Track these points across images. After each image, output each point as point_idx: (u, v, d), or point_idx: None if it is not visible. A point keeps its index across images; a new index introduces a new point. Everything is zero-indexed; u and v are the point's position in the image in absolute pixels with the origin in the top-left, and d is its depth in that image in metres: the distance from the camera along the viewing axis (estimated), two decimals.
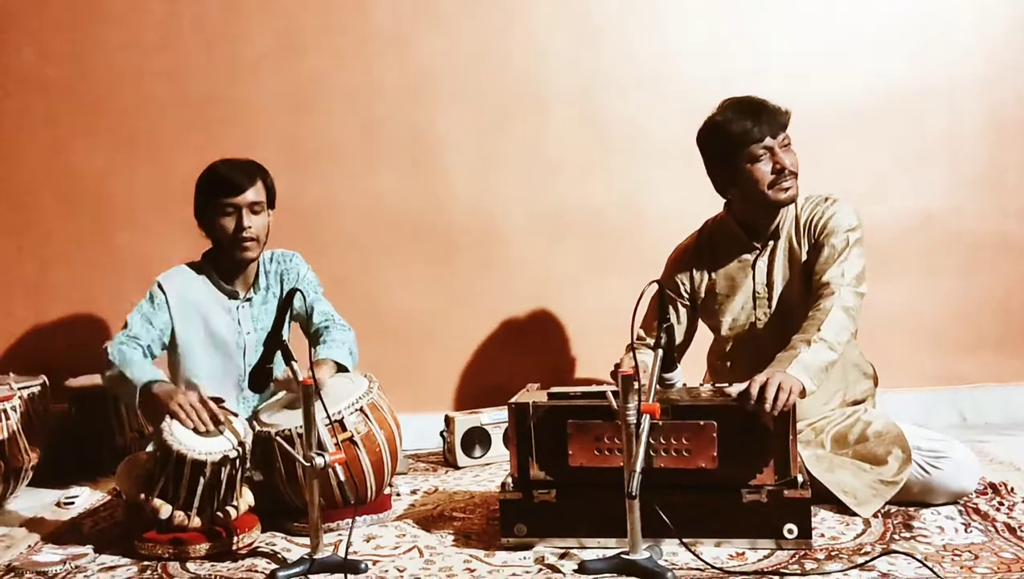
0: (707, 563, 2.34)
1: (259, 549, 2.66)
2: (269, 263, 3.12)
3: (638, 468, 2.18)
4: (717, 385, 2.74)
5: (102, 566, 2.60)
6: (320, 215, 3.88)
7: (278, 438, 2.68)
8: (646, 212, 3.85)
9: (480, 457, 3.54)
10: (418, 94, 3.89)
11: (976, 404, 3.82)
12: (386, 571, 2.45)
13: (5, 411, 3.18)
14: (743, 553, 2.43)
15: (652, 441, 2.44)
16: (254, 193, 2.96)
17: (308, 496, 2.50)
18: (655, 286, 2.45)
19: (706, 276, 3.00)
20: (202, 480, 2.58)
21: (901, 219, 3.80)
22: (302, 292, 2.71)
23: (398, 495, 3.13)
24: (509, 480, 2.59)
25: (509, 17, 3.88)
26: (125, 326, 2.93)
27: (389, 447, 2.84)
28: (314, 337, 3.07)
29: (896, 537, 2.48)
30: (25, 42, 3.90)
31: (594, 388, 2.71)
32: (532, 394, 2.68)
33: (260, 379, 2.61)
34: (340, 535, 2.66)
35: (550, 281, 3.92)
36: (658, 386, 2.41)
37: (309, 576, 2.43)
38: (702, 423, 2.46)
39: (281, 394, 2.94)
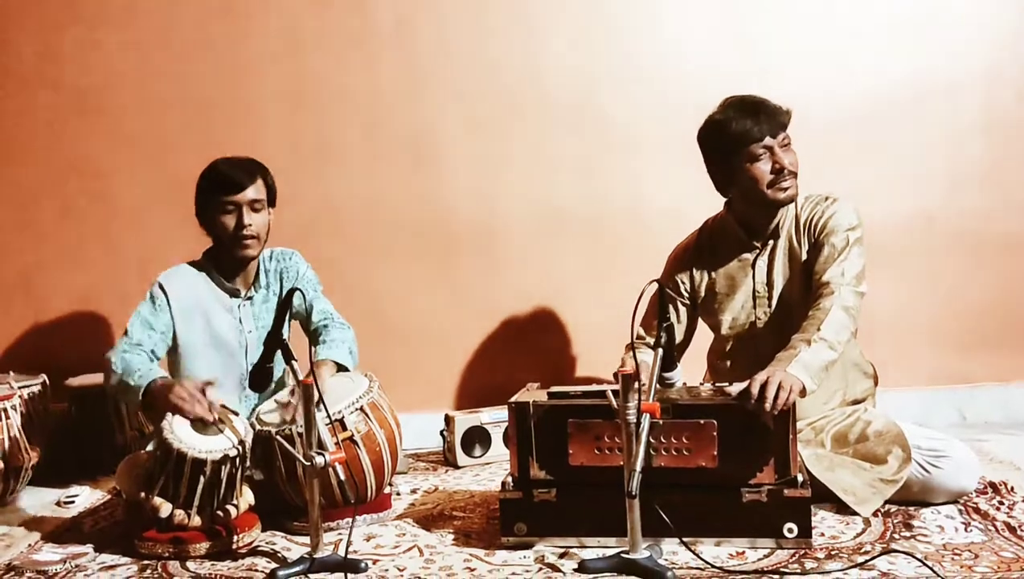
0: (707, 562, 2.34)
1: (259, 548, 2.66)
2: (269, 261, 3.12)
3: (638, 467, 2.18)
4: (717, 384, 2.74)
5: (102, 565, 2.60)
6: (320, 214, 3.88)
7: (278, 437, 2.68)
8: (646, 211, 3.85)
9: (480, 456, 3.54)
10: (418, 94, 3.89)
11: (976, 403, 3.83)
12: (386, 570, 2.45)
13: (5, 410, 3.18)
14: (743, 552, 2.43)
15: (652, 440, 2.44)
16: (254, 191, 2.96)
17: (308, 495, 2.50)
18: (655, 285, 2.45)
19: (706, 275, 3.00)
20: (202, 479, 2.58)
21: (901, 218, 3.80)
22: (302, 291, 2.71)
23: (398, 494, 3.13)
24: (509, 479, 2.59)
25: (510, 17, 3.88)
26: (126, 333, 2.93)
27: (389, 446, 2.84)
28: (313, 336, 3.07)
29: (896, 536, 2.48)
30: (25, 42, 3.90)
31: (594, 387, 2.71)
32: (532, 393, 2.68)
33: (261, 378, 2.61)
34: (340, 534, 2.66)
35: (550, 280, 3.92)
36: (658, 385, 2.41)
37: (309, 575, 2.43)
38: (702, 422, 2.46)
39: (282, 393, 2.94)
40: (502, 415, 3.43)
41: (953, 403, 3.83)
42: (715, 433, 2.45)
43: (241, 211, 2.94)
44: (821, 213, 2.85)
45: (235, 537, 2.65)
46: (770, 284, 2.91)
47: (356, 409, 2.79)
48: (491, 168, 3.91)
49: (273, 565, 2.50)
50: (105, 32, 3.90)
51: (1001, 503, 2.68)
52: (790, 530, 2.43)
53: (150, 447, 2.84)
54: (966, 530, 2.50)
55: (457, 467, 3.51)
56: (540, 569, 2.40)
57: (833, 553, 2.39)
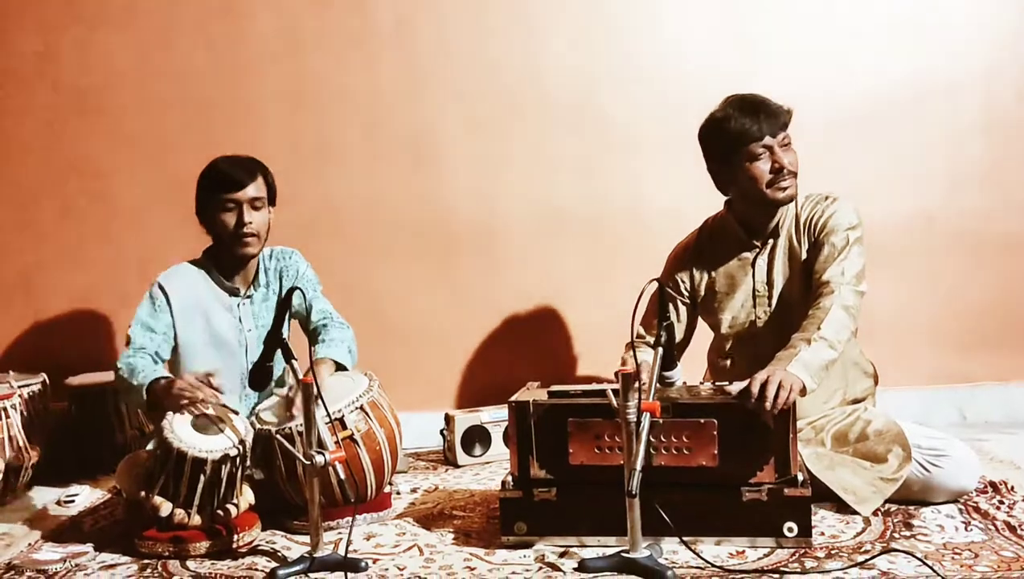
0: (707, 561, 2.34)
1: (259, 547, 2.66)
2: (268, 260, 3.12)
3: (638, 466, 2.18)
4: (717, 383, 2.75)
5: (102, 564, 2.60)
6: (320, 214, 3.88)
7: (278, 436, 2.69)
8: (646, 210, 3.85)
9: (480, 455, 3.54)
10: (418, 93, 3.89)
11: (976, 402, 3.82)
12: (386, 569, 2.45)
13: (5, 409, 3.19)
14: (743, 551, 2.43)
15: (652, 439, 2.44)
16: (255, 189, 2.96)
17: (308, 494, 2.50)
18: (655, 285, 2.45)
19: (706, 274, 3.00)
20: (202, 478, 2.58)
21: (901, 218, 3.80)
22: (302, 290, 2.72)
23: (398, 493, 3.13)
24: (509, 478, 2.60)
25: (510, 16, 3.88)
26: (128, 341, 2.93)
27: (389, 445, 2.84)
28: (313, 335, 3.07)
29: (896, 535, 2.48)
30: (25, 42, 3.90)
31: (594, 386, 2.71)
32: (532, 392, 2.68)
33: (261, 377, 2.62)
34: (340, 533, 2.67)
35: (550, 279, 3.92)
36: (658, 384, 2.41)
37: (309, 574, 2.43)
38: (702, 421, 2.46)
39: (279, 390, 2.94)
40: (502, 414, 3.43)
41: (953, 402, 3.83)
42: (715, 432, 2.46)
43: (241, 209, 2.94)
44: (821, 212, 2.85)
45: (235, 536, 2.65)
46: (770, 283, 2.91)
47: (356, 408, 2.79)
48: (491, 168, 3.91)
49: (273, 564, 2.50)
50: (105, 32, 3.90)
51: (1001, 502, 2.68)
52: (790, 529, 2.43)
53: (150, 446, 2.84)
54: (966, 529, 2.50)
55: (457, 466, 3.51)
56: (540, 568, 2.40)
57: (833, 552, 2.39)
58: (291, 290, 2.57)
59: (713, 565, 2.33)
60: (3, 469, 3.18)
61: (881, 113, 3.81)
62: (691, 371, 2.92)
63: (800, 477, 2.48)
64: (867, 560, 2.30)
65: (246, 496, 2.71)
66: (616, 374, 2.35)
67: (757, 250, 2.92)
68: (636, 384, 2.32)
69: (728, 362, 3.00)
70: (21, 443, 3.23)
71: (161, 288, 2.99)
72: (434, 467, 3.54)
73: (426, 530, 2.75)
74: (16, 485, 3.29)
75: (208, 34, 3.89)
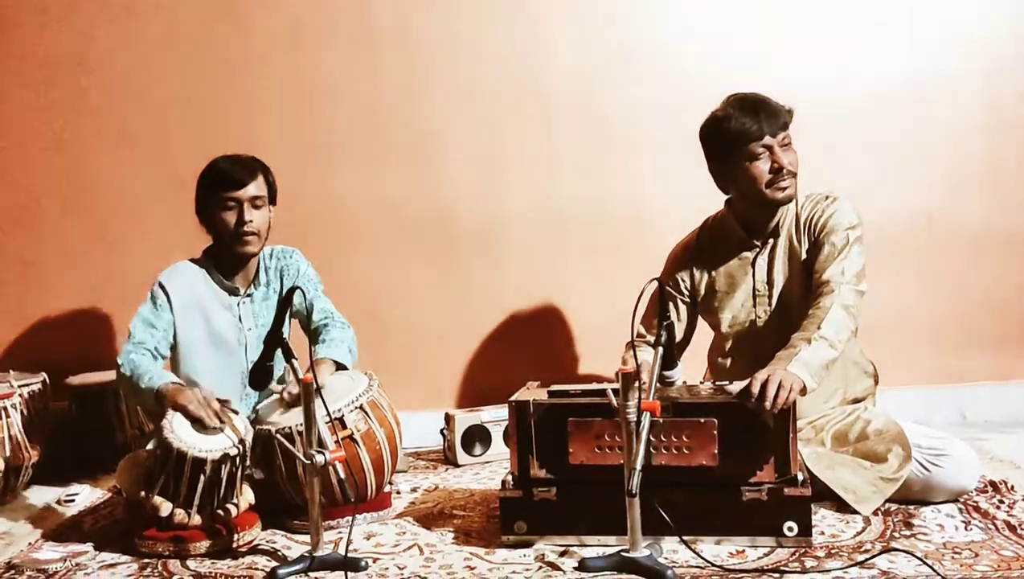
0: (707, 561, 2.34)
1: (259, 547, 2.66)
2: (269, 259, 3.12)
3: (638, 466, 2.18)
4: (717, 383, 2.74)
5: (102, 563, 2.60)
6: (321, 213, 3.88)
7: (278, 436, 2.69)
8: (648, 209, 3.85)
9: (480, 455, 3.54)
10: (419, 93, 3.89)
11: (976, 402, 3.82)
12: (386, 569, 2.45)
13: (5, 409, 3.18)
14: (743, 551, 2.43)
15: (652, 439, 2.44)
16: (255, 188, 2.96)
17: (308, 494, 2.50)
18: (655, 284, 2.45)
19: (706, 273, 3.00)
20: (202, 478, 2.58)
21: (901, 217, 3.79)
22: (302, 289, 2.72)
23: (398, 493, 3.13)
24: (509, 478, 2.60)
25: (510, 14, 3.88)
26: (129, 335, 2.93)
27: (389, 445, 2.84)
28: (313, 335, 3.07)
29: (896, 535, 2.48)
30: (26, 41, 3.90)
31: (594, 386, 2.71)
32: (532, 392, 2.68)
33: (261, 377, 2.62)
34: (340, 533, 2.67)
35: (551, 278, 3.92)
36: (658, 384, 2.41)
37: (309, 574, 2.43)
38: (702, 421, 2.46)
39: (277, 387, 2.94)
40: (502, 414, 3.43)
41: (953, 402, 3.83)
42: (715, 431, 2.45)
43: (242, 208, 2.94)
44: (821, 212, 2.85)
45: (235, 536, 2.65)
46: (770, 283, 2.91)
47: (356, 407, 2.79)
48: (492, 167, 3.90)
49: (273, 564, 2.50)
50: (106, 31, 3.89)
51: (1001, 502, 2.68)
52: (790, 528, 2.43)
53: (150, 446, 2.84)
54: (966, 529, 2.50)
55: (457, 466, 3.51)
56: (540, 567, 2.40)
57: (833, 551, 2.39)
58: (292, 289, 2.57)
59: (713, 564, 2.33)
60: (3, 468, 3.18)
61: (881, 113, 3.81)
62: (691, 370, 2.91)
63: (800, 476, 2.48)
64: (867, 559, 2.30)
65: (246, 496, 2.71)
66: (617, 373, 2.35)
67: (757, 249, 2.92)
68: (636, 383, 2.32)
69: (728, 361, 3.00)
70: (21, 442, 3.23)
71: (162, 286, 2.99)
72: (434, 466, 3.54)
73: (426, 529, 2.75)
74: (16, 485, 3.28)
75: (209, 33, 3.89)
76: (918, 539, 2.44)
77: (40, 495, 3.34)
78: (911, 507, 2.66)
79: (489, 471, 3.40)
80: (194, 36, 3.88)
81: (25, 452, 3.24)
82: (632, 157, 3.87)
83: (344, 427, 2.74)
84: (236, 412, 2.78)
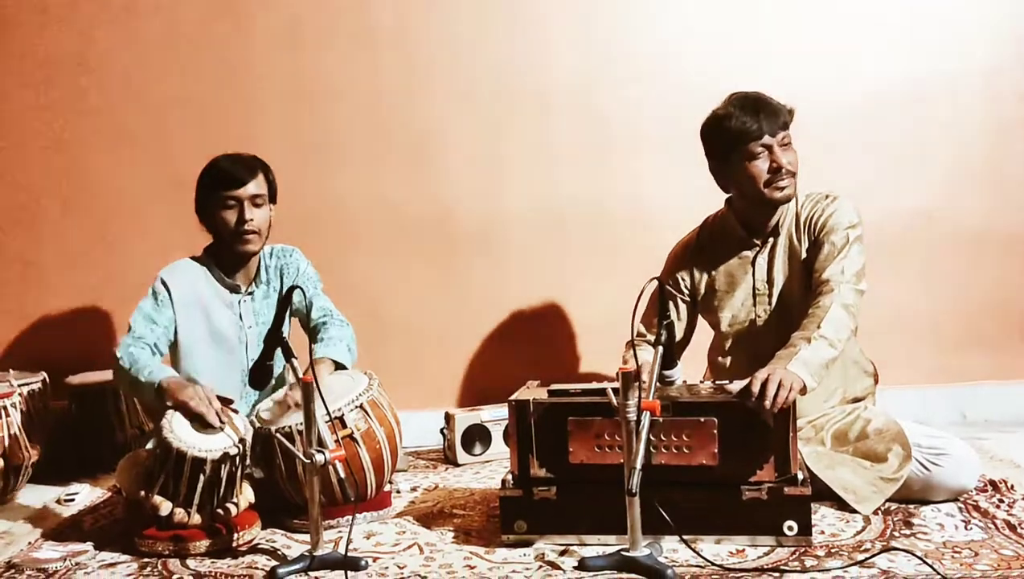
0: (707, 560, 2.34)
1: (259, 546, 2.66)
2: (269, 258, 3.12)
3: (638, 465, 2.18)
4: (717, 382, 2.74)
5: (102, 563, 2.60)
6: (321, 212, 3.88)
7: (278, 435, 2.68)
8: (648, 208, 3.85)
9: (480, 454, 3.54)
10: (420, 92, 3.89)
11: (976, 401, 3.82)
12: (386, 568, 2.45)
13: (5, 408, 3.18)
14: (743, 550, 2.43)
15: (652, 438, 2.44)
16: (255, 186, 2.97)
17: (308, 493, 2.50)
18: (655, 283, 2.45)
19: (706, 272, 3.00)
20: (202, 477, 2.58)
21: (901, 216, 3.79)
22: (302, 288, 2.72)
23: (398, 492, 3.13)
24: (509, 477, 2.60)
25: (510, 14, 3.88)
26: (129, 329, 2.93)
27: (389, 444, 2.84)
28: (312, 333, 3.07)
29: (896, 534, 2.48)
30: (26, 41, 3.90)
31: (594, 385, 2.71)
32: (532, 391, 2.68)
33: (261, 376, 2.62)
34: (340, 532, 2.67)
35: (551, 277, 3.92)
36: (658, 383, 2.41)
37: (309, 573, 2.43)
38: (702, 420, 2.46)
39: (280, 391, 2.94)
40: (502, 413, 3.43)
41: (953, 401, 3.83)
42: (715, 431, 2.45)
43: (242, 206, 2.94)
44: (821, 211, 2.85)
45: (235, 535, 2.65)
46: (770, 282, 2.91)
47: (356, 406, 2.79)
48: (492, 167, 3.90)
49: (273, 563, 2.50)
50: (106, 31, 3.89)
51: (1001, 501, 2.68)
52: (790, 528, 2.43)
53: (150, 445, 2.84)
54: (966, 528, 2.50)
55: (457, 465, 3.51)
56: (540, 567, 2.40)
57: (833, 551, 2.39)
58: (291, 288, 2.57)
59: (713, 564, 2.33)
60: (3, 467, 3.18)
61: (881, 113, 3.81)
62: (692, 370, 2.92)
63: (800, 476, 2.48)
64: (867, 559, 2.30)
65: (246, 495, 2.71)
66: (617, 372, 2.35)
67: (757, 249, 2.92)
68: (636, 383, 2.32)
69: (728, 360, 3.00)
70: (21, 442, 3.23)
71: (164, 283, 2.99)
72: (434, 466, 3.53)
73: (426, 529, 2.75)
74: (16, 484, 3.28)
75: (209, 33, 3.89)
76: (918, 538, 2.44)
77: (40, 494, 3.34)
78: (911, 506, 2.66)
79: (489, 470, 3.40)
80: (194, 36, 3.89)
81: (25, 451, 3.24)
82: (632, 156, 3.87)
83: (344, 426, 2.74)
84: (236, 411, 2.78)
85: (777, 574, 2.27)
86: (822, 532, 2.52)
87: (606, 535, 2.50)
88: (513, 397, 2.60)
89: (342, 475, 2.47)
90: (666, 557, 2.39)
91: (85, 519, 3.03)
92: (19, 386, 3.31)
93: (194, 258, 3.08)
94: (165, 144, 3.90)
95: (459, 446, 3.51)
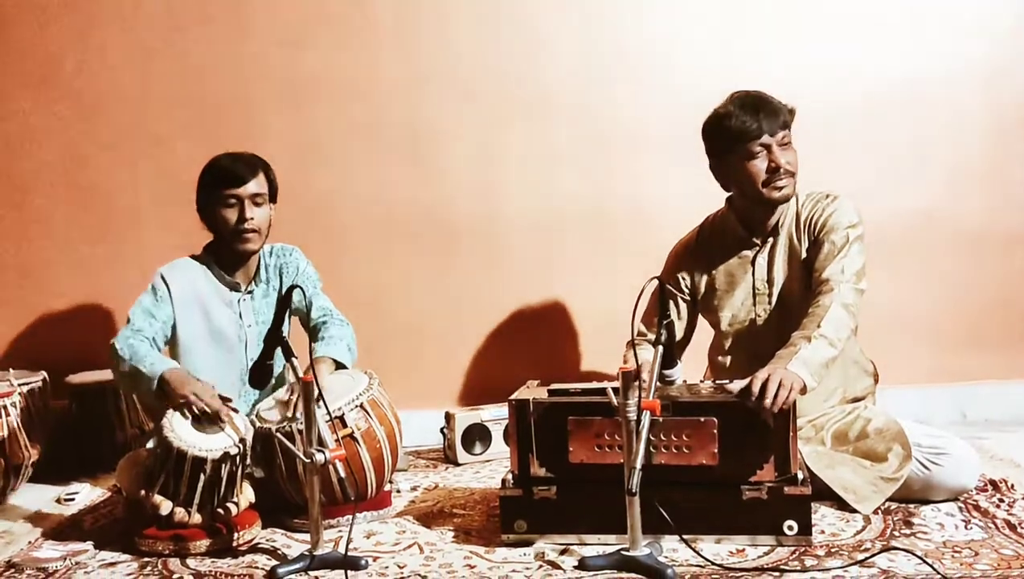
0: (707, 559, 2.34)
1: (259, 545, 2.66)
2: (269, 257, 3.12)
3: (638, 465, 2.18)
4: (718, 382, 2.74)
5: (102, 562, 2.60)
6: (322, 211, 3.88)
7: (279, 434, 2.68)
8: (648, 207, 3.84)
9: (480, 454, 3.54)
10: (419, 90, 3.89)
11: (976, 401, 3.83)
12: (386, 567, 2.45)
13: (5, 407, 3.18)
14: (743, 550, 2.43)
15: (652, 438, 2.44)
16: (256, 185, 2.97)
17: (308, 492, 2.50)
18: (655, 282, 2.45)
19: (706, 272, 3.00)
20: (202, 477, 2.58)
21: (902, 215, 3.79)
22: (302, 288, 2.72)
23: (398, 492, 3.13)
24: (509, 477, 2.60)
25: (510, 11, 3.88)
26: (128, 322, 2.93)
27: (389, 443, 2.84)
28: (313, 332, 3.07)
29: (896, 534, 2.48)
30: (25, 41, 3.89)
31: (594, 385, 2.71)
32: (532, 390, 2.68)
33: (261, 375, 2.61)
34: (340, 532, 2.67)
35: (551, 277, 3.92)
36: (658, 383, 2.41)
37: (309, 572, 2.43)
38: (702, 420, 2.46)
39: (281, 390, 2.94)
40: (503, 412, 3.43)
41: (953, 401, 3.83)
42: (715, 431, 2.45)
43: (243, 205, 2.94)
44: (821, 211, 2.85)
45: (235, 535, 2.65)
46: (770, 281, 2.91)
47: (356, 406, 2.79)
48: (492, 165, 3.90)
49: (273, 562, 2.50)
50: (107, 29, 3.89)
51: (1001, 501, 2.68)
52: (790, 527, 2.43)
53: (150, 445, 2.83)
54: (966, 527, 2.50)
55: (457, 464, 3.51)
56: (540, 566, 2.40)
57: (833, 550, 2.39)
58: (291, 288, 2.57)
59: (713, 563, 2.33)
60: (3, 466, 3.18)
61: (881, 111, 3.80)
62: (692, 369, 2.92)
63: (800, 475, 2.48)
64: (867, 558, 2.30)
65: (246, 494, 2.71)
66: (618, 372, 2.35)
67: (757, 248, 2.92)
68: (636, 382, 2.31)
69: (728, 359, 3.00)
70: (21, 441, 3.23)
71: (163, 279, 2.99)
72: (434, 465, 3.53)
73: (426, 528, 2.75)
74: (16, 483, 3.28)
75: (208, 32, 3.88)
76: (918, 538, 2.44)
77: (40, 494, 3.34)
78: (911, 506, 2.66)
79: (489, 470, 3.40)
80: (194, 34, 3.88)
81: (25, 450, 3.24)
82: (632, 155, 3.86)
83: (344, 426, 2.74)
84: (236, 410, 2.78)
85: (777, 574, 2.27)
86: (822, 532, 2.52)
87: (606, 535, 2.50)
88: (513, 396, 2.60)
89: (342, 474, 2.47)
90: (666, 557, 2.39)
91: (85, 518, 3.04)
92: (19, 385, 3.31)
93: (194, 257, 3.08)
94: (165, 144, 3.89)
95: (459, 445, 3.51)
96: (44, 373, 3.54)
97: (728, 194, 2.97)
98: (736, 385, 2.54)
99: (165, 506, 2.58)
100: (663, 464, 2.47)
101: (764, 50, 3.80)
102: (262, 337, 2.68)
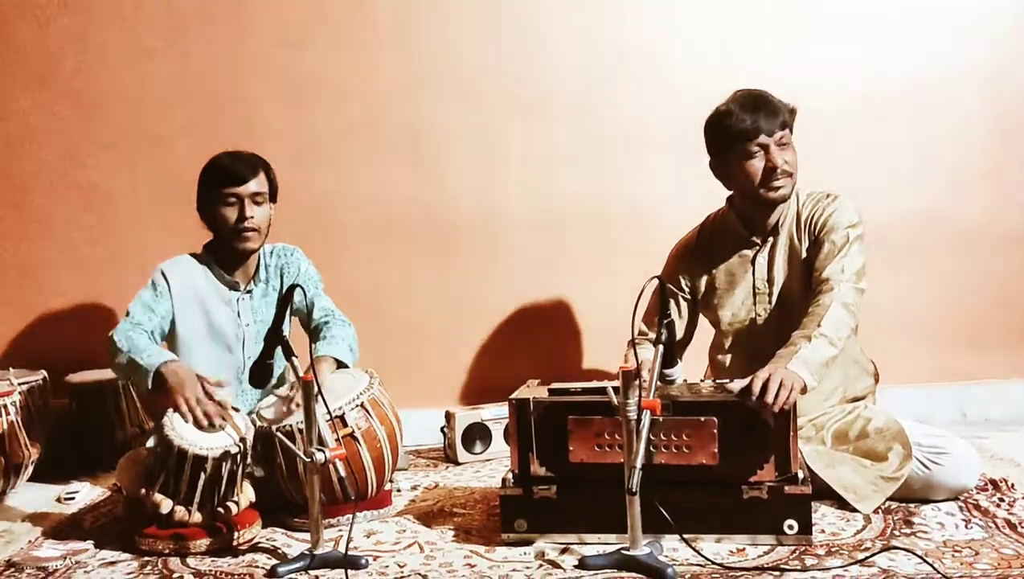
0: (707, 559, 2.34)
1: (260, 545, 2.66)
2: (270, 256, 3.12)
3: (638, 464, 2.18)
4: (718, 381, 2.74)
5: (102, 561, 2.60)
6: (322, 210, 3.88)
7: (279, 434, 2.68)
8: (648, 206, 3.84)
9: (481, 453, 3.54)
10: (419, 90, 3.89)
11: (977, 400, 3.83)
12: (387, 567, 2.45)
13: (5, 406, 3.18)
14: (743, 549, 2.43)
15: (652, 437, 2.44)
16: (256, 184, 2.97)
17: (309, 492, 2.50)
18: (656, 281, 2.44)
19: (706, 271, 3.00)
20: (203, 476, 2.58)
21: (902, 215, 3.80)
22: (302, 288, 2.72)
23: (399, 491, 3.13)
24: (510, 476, 2.60)
25: (510, 11, 3.88)
26: (127, 314, 2.93)
27: (390, 443, 2.84)
28: (314, 333, 3.07)
29: (896, 533, 2.48)
30: (25, 40, 3.89)
31: (595, 384, 2.71)
32: (533, 390, 2.68)
33: (261, 375, 2.61)
34: (341, 531, 2.67)
35: (551, 276, 3.91)
36: (659, 382, 2.41)
37: (310, 571, 2.43)
38: (703, 419, 2.46)
39: (282, 388, 2.95)
40: (503, 411, 3.42)
41: (954, 400, 3.83)
42: (715, 430, 2.45)
43: (243, 204, 2.94)
44: (822, 210, 2.85)
45: (236, 534, 2.65)
46: (770, 281, 2.91)
47: (357, 405, 2.79)
48: (492, 164, 3.90)
49: (274, 561, 2.50)
50: (107, 28, 3.89)
51: (1001, 500, 2.69)
52: (790, 527, 2.43)
53: (150, 443, 2.84)
54: (966, 527, 2.50)
55: (458, 463, 3.51)
56: (540, 565, 2.40)
57: (833, 550, 2.39)
58: (292, 286, 2.57)
59: (713, 562, 2.33)
60: (3, 465, 3.18)
61: (881, 111, 3.80)
62: (692, 368, 2.92)
63: (800, 475, 2.48)
64: (867, 557, 2.30)
65: (246, 493, 2.71)
66: (619, 371, 2.35)
67: (757, 247, 2.92)
68: (637, 382, 2.31)
69: (728, 359, 3.00)
70: (21, 440, 3.23)
71: (163, 275, 3.00)
72: (435, 464, 3.53)
73: (426, 527, 2.75)
74: (16, 482, 3.28)
75: (208, 31, 3.88)
76: (918, 537, 2.44)
77: (40, 493, 3.34)
78: (911, 505, 2.66)
79: (489, 469, 3.40)
80: (194, 36, 3.88)
81: (25, 450, 3.24)
82: (633, 153, 3.86)
83: (345, 425, 2.74)
84: (237, 409, 2.78)
85: (777, 573, 2.27)
86: (822, 531, 2.52)
87: (606, 534, 2.50)
88: (513, 396, 2.60)
89: (343, 474, 2.47)
90: (666, 556, 2.39)
91: (85, 517, 3.04)
92: (19, 384, 3.31)
93: (193, 255, 3.08)
94: (165, 144, 3.89)
95: (460, 445, 3.51)
96: (44, 372, 3.55)
97: (729, 193, 2.97)
98: (737, 384, 2.54)
99: (165, 505, 2.58)
100: (663, 463, 2.47)
101: (764, 50, 3.80)
102: (260, 336, 2.68)
